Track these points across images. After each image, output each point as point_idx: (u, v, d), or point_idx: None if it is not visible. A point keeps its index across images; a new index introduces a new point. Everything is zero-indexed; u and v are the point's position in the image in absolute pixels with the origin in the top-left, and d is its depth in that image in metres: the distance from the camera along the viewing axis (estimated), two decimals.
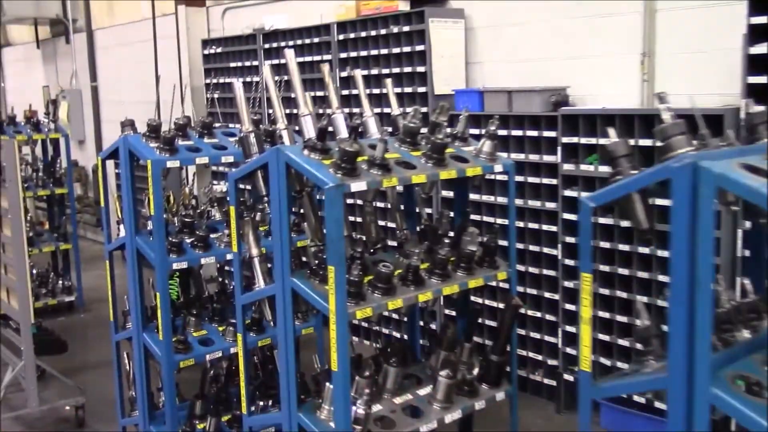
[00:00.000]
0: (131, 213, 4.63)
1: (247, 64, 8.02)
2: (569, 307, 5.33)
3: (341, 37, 6.80)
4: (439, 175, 3.43)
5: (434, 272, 3.53)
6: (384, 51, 6.43)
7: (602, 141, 4.98)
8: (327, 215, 3.03)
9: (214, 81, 8.55)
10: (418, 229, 4.26)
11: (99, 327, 7.66)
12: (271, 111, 6.35)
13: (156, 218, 4.37)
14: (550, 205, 5.39)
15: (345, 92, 6.75)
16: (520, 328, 5.78)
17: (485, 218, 5.80)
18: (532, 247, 5.56)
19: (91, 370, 6.50)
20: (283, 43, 7.50)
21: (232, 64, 8.23)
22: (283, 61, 7.46)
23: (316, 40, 7.07)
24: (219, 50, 8.42)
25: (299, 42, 7.27)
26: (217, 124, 5.09)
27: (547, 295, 5.52)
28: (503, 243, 3.99)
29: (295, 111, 3.64)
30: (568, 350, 5.37)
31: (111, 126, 11.41)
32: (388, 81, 4.00)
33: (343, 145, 3.10)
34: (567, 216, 5.24)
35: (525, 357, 5.68)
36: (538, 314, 5.62)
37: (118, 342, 5.06)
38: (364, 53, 6.61)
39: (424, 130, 3.60)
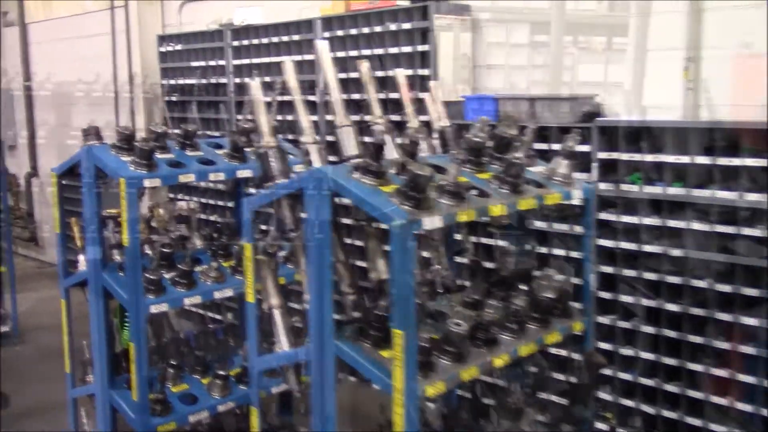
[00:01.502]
0: (97, 241, 3.76)
1: (212, 63, 7.12)
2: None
3: (327, 34, 5.98)
4: (517, 204, 2.70)
5: (505, 326, 2.80)
6: (379, 51, 5.65)
7: (648, 158, 4.34)
8: (395, 262, 2.26)
9: (171, 82, 7.62)
10: (457, 261, 3.54)
11: (40, 361, 6.69)
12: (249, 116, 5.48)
13: (131, 250, 3.53)
14: (580, 229, 4.71)
15: (329, 98, 5.95)
16: None
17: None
18: None
19: (35, 419, 5.50)
20: (255, 41, 6.63)
21: (194, 63, 7.30)
22: (255, 60, 6.65)
23: (296, 37, 6.24)
24: (179, 47, 7.49)
25: (275, 40, 6.43)
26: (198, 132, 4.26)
27: None
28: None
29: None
30: None
31: (46, 130, 10.34)
32: (433, 84, 3.24)
33: (413, 168, 2.34)
34: (602, 242, 4.58)
35: None
36: None
37: (75, 398, 4.17)
38: (354, 53, 5.81)
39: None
